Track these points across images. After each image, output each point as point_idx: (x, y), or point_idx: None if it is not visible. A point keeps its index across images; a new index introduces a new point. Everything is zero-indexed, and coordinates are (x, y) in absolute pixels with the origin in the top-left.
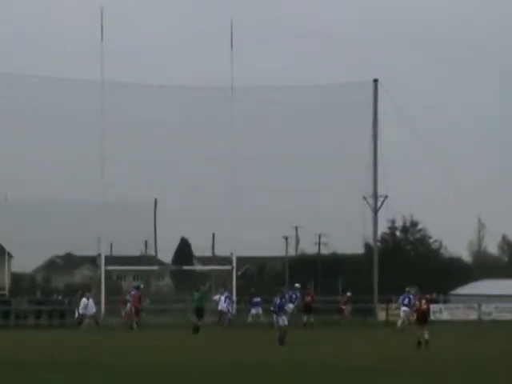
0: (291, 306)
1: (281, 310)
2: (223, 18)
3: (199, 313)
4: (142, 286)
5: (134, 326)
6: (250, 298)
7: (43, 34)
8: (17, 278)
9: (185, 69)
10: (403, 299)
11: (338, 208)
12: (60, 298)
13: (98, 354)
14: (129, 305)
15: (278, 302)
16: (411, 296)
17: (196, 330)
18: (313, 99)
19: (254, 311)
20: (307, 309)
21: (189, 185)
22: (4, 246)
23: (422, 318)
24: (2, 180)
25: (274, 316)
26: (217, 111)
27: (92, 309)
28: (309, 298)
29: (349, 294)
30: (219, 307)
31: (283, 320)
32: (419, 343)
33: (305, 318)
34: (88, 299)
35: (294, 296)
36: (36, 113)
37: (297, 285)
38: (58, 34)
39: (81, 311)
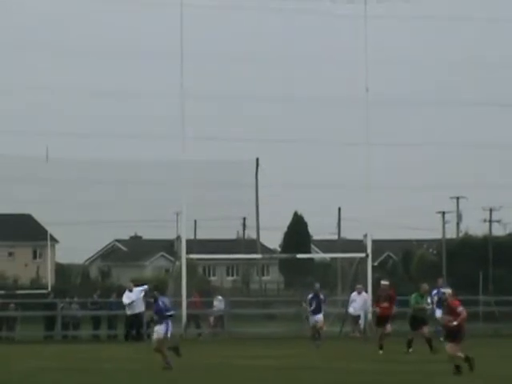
0: None
1: None
2: None
3: (419, 323)
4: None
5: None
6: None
7: None
8: (63, 272)
9: None
10: None
11: None
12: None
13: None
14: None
15: None
16: None
17: (409, 343)
18: None
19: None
20: None
21: (303, 137)
22: (45, 227)
23: None
24: (41, 131)
25: None
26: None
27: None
28: None
29: None
30: (351, 310)
31: None
32: None
33: None
34: (131, 291)
35: None
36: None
37: None
38: None
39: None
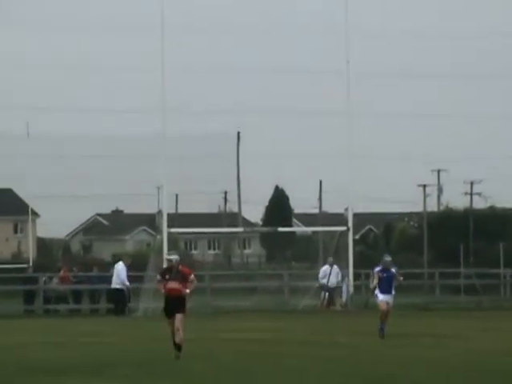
0: None
1: None
2: None
3: None
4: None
5: None
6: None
7: None
8: (45, 246)
9: None
10: None
11: (500, 143)
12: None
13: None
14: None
15: None
16: None
17: None
18: None
19: None
20: None
21: (285, 109)
22: (26, 201)
23: None
24: (22, 105)
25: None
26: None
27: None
28: None
29: None
30: (327, 282)
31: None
32: None
33: None
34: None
35: None
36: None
37: None
38: None
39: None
